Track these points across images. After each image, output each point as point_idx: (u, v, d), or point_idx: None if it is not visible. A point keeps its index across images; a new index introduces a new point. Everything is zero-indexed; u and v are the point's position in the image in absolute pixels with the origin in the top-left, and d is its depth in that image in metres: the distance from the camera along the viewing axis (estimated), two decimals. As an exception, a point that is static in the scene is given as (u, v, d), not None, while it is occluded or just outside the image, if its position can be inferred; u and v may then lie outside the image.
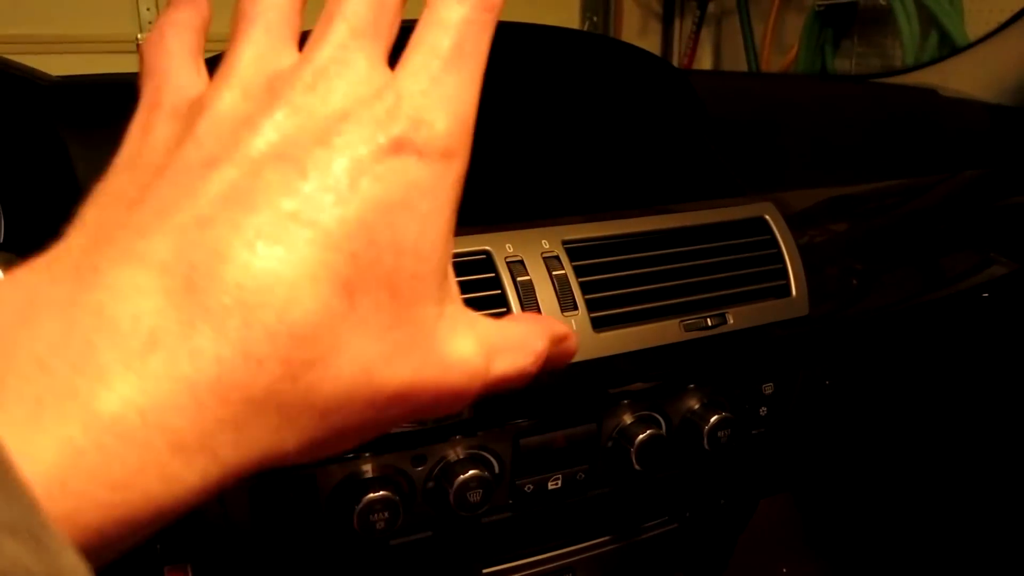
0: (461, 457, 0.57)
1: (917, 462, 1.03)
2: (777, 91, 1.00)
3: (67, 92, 0.61)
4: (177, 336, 0.20)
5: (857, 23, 2.07)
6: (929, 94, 1.10)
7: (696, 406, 0.65)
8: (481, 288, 0.56)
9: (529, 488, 0.61)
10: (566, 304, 0.58)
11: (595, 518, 0.71)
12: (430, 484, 0.57)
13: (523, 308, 0.56)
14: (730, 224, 0.67)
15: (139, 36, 2.18)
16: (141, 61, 0.28)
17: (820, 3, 2.06)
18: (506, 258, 0.58)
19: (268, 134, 0.23)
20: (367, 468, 0.55)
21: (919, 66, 1.36)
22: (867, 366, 0.81)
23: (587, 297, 0.59)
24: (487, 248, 0.58)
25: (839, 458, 0.91)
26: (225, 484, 0.21)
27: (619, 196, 0.72)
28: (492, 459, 0.58)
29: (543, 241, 0.59)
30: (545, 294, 0.57)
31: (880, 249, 0.79)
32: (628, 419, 0.63)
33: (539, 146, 0.72)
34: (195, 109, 0.25)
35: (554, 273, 0.58)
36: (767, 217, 0.69)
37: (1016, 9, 1.11)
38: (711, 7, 2.60)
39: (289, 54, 0.26)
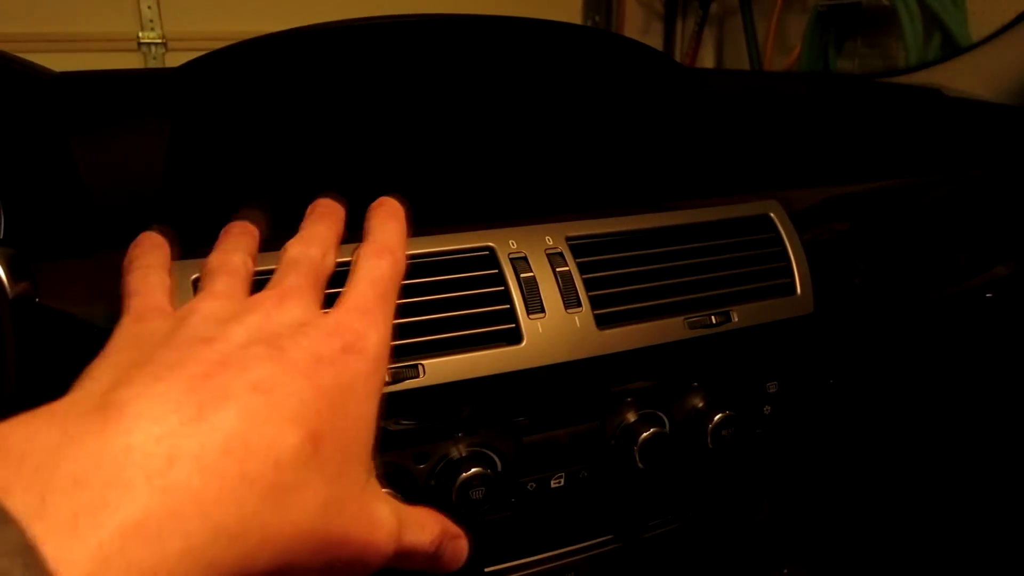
0: (463, 455, 0.57)
1: (921, 462, 1.03)
2: (781, 89, 1.00)
3: (70, 87, 0.61)
4: (191, 459, 0.24)
5: (860, 23, 2.07)
6: (933, 94, 1.09)
7: (700, 404, 0.65)
8: (484, 284, 0.56)
9: (532, 486, 0.60)
10: (569, 301, 0.57)
11: (597, 517, 0.71)
12: (432, 482, 0.56)
13: (527, 305, 0.56)
14: (735, 221, 0.67)
15: (140, 34, 2.18)
16: (122, 283, 0.37)
17: (823, 3, 2.05)
18: (509, 254, 0.57)
19: (250, 326, 0.31)
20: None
21: (922, 66, 1.36)
22: (871, 365, 0.81)
23: (591, 294, 0.58)
24: (490, 244, 0.57)
25: (843, 457, 0.90)
26: None
27: (623, 193, 0.72)
28: (495, 457, 0.58)
29: (547, 238, 0.59)
30: (548, 291, 0.57)
31: (884, 248, 0.79)
32: (632, 417, 0.62)
33: (542, 142, 0.72)
34: (184, 311, 0.32)
35: (558, 270, 0.58)
36: (772, 215, 0.68)
37: (1020, 10, 1.11)
38: (713, 7, 2.59)
39: (250, 290, 0.37)
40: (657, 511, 0.75)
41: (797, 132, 0.87)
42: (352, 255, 0.38)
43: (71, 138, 0.56)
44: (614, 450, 0.63)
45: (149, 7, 2.16)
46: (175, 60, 0.58)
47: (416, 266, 0.56)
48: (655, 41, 2.73)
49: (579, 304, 0.58)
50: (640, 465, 0.61)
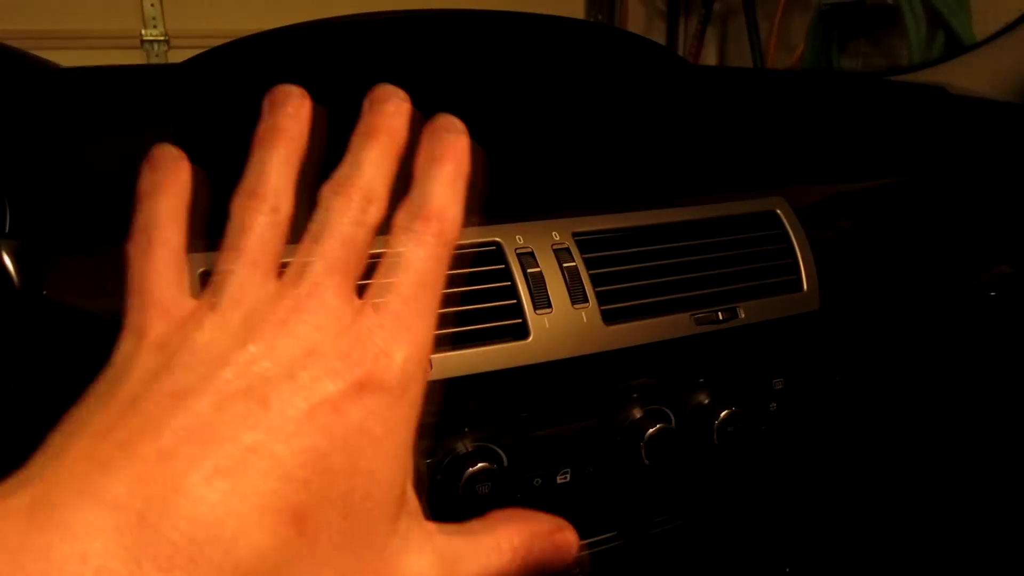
0: (470, 450, 0.56)
1: (926, 460, 1.03)
2: (786, 86, 0.99)
3: (75, 80, 0.61)
4: None
5: (863, 22, 2.06)
6: (938, 92, 1.09)
7: (706, 400, 0.65)
8: (491, 280, 0.56)
9: (538, 482, 0.60)
10: (576, 297, 0.57)
11: (603, 513, 0.71)
12: (438, 476, 0.56)
13: (533, 300, 0.56)
14: (741, 218, 0.67)
15: (143, 31, 2.18)
16: (127, 266, 0.30)
17: (826, 2, 2.05)
18: (516, 250, 0.57)
19: (239, 368, 0.25)
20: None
21: (926, 65, 1.35)
22: (877, 362, 0.81)
23: (598, 290, 0.58)
24: (497, 240, 0.57)
25: (847, 455, 0.90)
26: None
27: (628, 188, 0.71)
28: (501, 452, 0.58)
29: (554, 233, 0.59)
30: (555, 286, 0.57)
31: (890, 245, 0.79)
32: (638, 413, 0.62)
33: (548, 137, 0.72)
34: (176, 339, 0.27)
35: (564, 265, 0.58)
36: (778, 211, 0.68)
37: (1023, 10, 1.10)
38: (716, 5, 2.59)
39: (269, 285, 0.28)
40: (662, 508, 0.75)
41: (802, 129, 0.87)
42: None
43: (77, 132, 0.56)
44: (620, 446, 0.63)
45: (152, 4, 2.16)
46: (177, 57, 0.59)
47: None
48: (657, 39, 2.73)
49: (586, 300, 0.58)
50: (646, 461, 0.61)
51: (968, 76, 1.17)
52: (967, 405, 0.99)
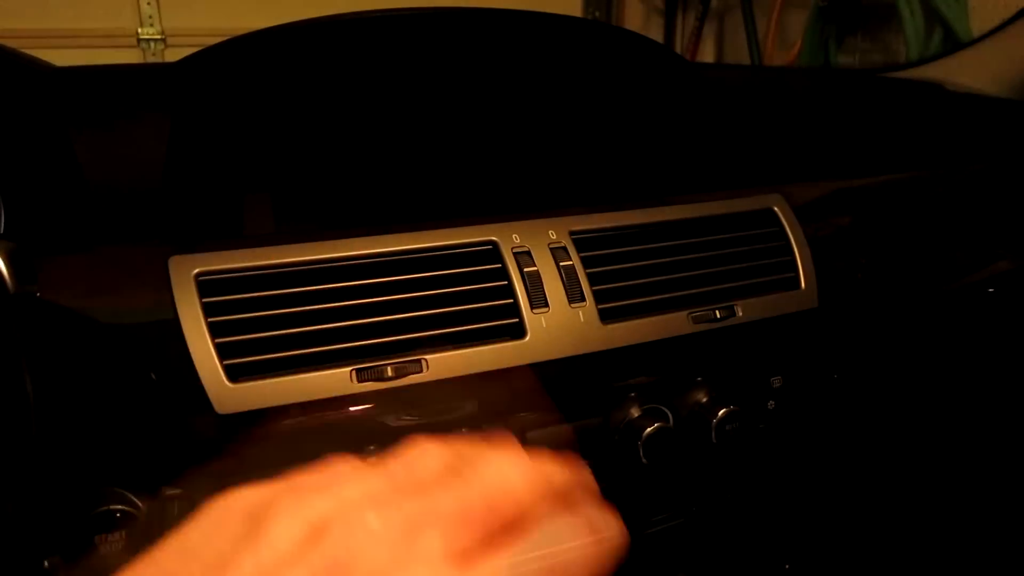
0: (467, 450, 0.56)
1: (925, 457, 1.03)
2: (784, 83, 0.99)
3: (69, 80, 0.60)
4: None
5: (860, 19, 2.06)
6: (935, 88, 1.09)
7: (704, 399, 0.64)
8: (487, 279, 0.56)
9: (535, 482, 0.60)
10: (573, 296, 0.57)
11: (601, 512, 0.71)
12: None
13: (530, 300, 0.56)
14: (739, 215, 0.67)
15: (139, 30, 2.17)
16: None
17: (823, -2, 2.05)
18: (513, 249, 0.57)
19: None
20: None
21: (923, 61, 1.35)
22: (876, 360, 0.80)
23: (595, 288, 0.58)
24: (493, 239, 0.57)
25: (846, 453, 0.90)
26: None
27: (625, 185, 0.71)
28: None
29: (550, 232, 0.59)
30: (552, 285, 0.57)
31: (887, 242, 0.79)
32: (635, 412, 0.62)
33: (544, 135, 0.72)
34: (260, 530, 0.25)
35: (561, 264, 0.58)
36: (776, 209, 0.68)
37: (1021, 5, 1.10)
38: (714, 2, 2.59)
39: None
40: (660, 507, 0.75)
41: (800, 126, 0.87)
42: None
43: (71, 131, 0.56)
44: (618, 445, 0.62)
45: (148, 3, 2.15)
46: (174, 56, 0.59)
47: (419, 261, 0.55)
48: (655, 36, 2.72)
49: (583, 298, 0.57)
50: (644, 460, 0.61)
51: (965, 72, 1.17)
52: (966, 402, 0.99)
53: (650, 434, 0.60)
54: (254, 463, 0.47)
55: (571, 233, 0.59)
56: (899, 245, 0.80)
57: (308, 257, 0.52)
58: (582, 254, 0.59)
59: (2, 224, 0.55)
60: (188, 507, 0.48)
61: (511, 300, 0.56)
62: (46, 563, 0.40)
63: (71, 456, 0.47)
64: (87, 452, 0.48)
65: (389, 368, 0.51)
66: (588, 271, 0.58)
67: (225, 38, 0.60)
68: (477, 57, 0.67)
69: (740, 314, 0.63)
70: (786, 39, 2.34)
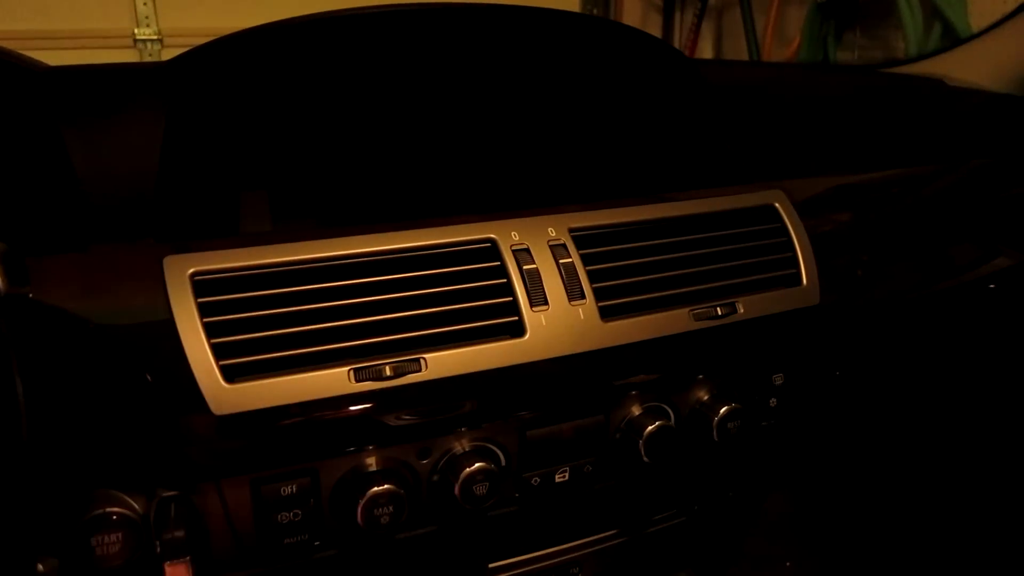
0: (467, 450, 0.56)
1: (927, 454, 1.02)
2: (785, 79, 0.99)
3: (62, 80, 0.60)
4: None
5: (859, 15, 2.06)
6: (936, 84, 1.09)
7: (705, 397, 0.64)
8: (486, 277, 0.55)
9: (536, 481, 0.59)
10: (573, 293, 0.57)
11: (602, 511, 0.70)
12: (435, 477, 0.56)
13: (529, 297, 0.55)
14: (740, 212, 0.66)
15: (136, 31, 2.17)
16: None
17: (822, -6, 2.04)
18: (512, 246, 0.57)
19: None
20: (371, 461, 0.53)
21: (922, 57, 1.35)
22: (878, 356, 0.80)
23: (595, 286, 0.57)
24: (492, 236, 0.57)
25: (848, 450, 0.90)
26: None
27: (625, 181, 0.71)
28: (498, 452, 0.57)
29: (549, 229, 0.58)
30: (552, 283, 0.56)
31: (888, 238, 0.78)
32: (636, 410, 0.62)
33: (544, 131, 0.71)
34: None
35: (561, 262, 0.57)
36: (777, 205, 0.67)
37: (1020, 1, 1.10)
38: (712, -1, 2.58)
39: None
40: (662, 505, 0.74)
41: (801, 122, 0.86)
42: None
43: (65, 131, 0.55)
44: (619, 444, 0.62)
45: (144, 4, 2.15)
46: (171, 56, 0.58)
47: (417, 259, 0.55)
48: (653, 33, 2.72)
49: (583, 296, 0.57)
50: (645, 459, 0.60)
51: (965, 68, 1.17)
52: (968, 397, 0.98)
53: (651, 432, 0.60)
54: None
55: (571, 230, 0.59)
56: (900, 241, 0.79)
57: (304, 256, 0.52)
58: (582, 251, 0.58)
59: (-5, 225, 0.55)
60: (184, 509, 0.48)
61: (510, 298, 0.55)
62: (40, 566, 0.40)
63: (65, 458, 0.46)
64: (82, 454, 0.47)
65: (387, 367, 0.51)
66: (588, 268, 0.58)
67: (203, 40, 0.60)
68: (475, 52, 0.67)
69: (741, 311, 0.62)
70: (784, 35, 2.34)
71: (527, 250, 0.57)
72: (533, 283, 0.56)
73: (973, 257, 0.89)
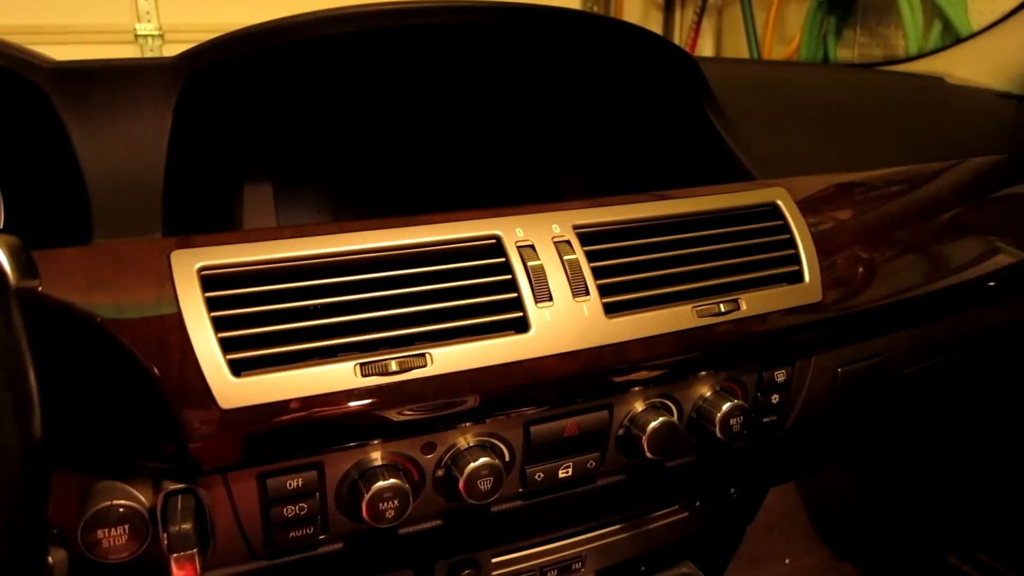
0: (471, 445, 0.56)
1: (928, 452, 1.03)
2: (786, 77, 0.99)
3: (67, 75, 0.60)
4: None
5: (859, 12, 2.06)
6: (937, 81, 1.09)
7: (708, 393, 0.64)
8: (491, 273, 0.56)
9: (540, 476, 0.60)
10: (578, 289, 0.57)
11: (605, 506, 0.70)
12: (440, 472, 0.56)
13: (534, 294, 0.55)
14: (742, 209, 0.66)
15: (137, 26, 2.17)
16: None
17: (822, -8, 2.04)
18: (516, 243, 0.57)
19: None
20: (376, 456, 0.54)
21: (922, 55, 1.35)
22: (880, 353, 0.80)
23: (599, 282, 0.58)
24: (497, 233, 0.57)
25: (847, 448, 0.90)
26: None
27: (629, 180, 0.71)
28: (503, 446, 0.58)
29: (554, 225, 0.58)
30: (556, 279, 0.57)
31: (890, 236, 0.79)
32: (640, 406, 0.62)
33: (543, 128, 0.71)
34: None
35: (565, 258, 0.57)
36: (779, 202, 0.68)
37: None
38: (712, -3, 2.58)
39: None
40: (665, 500, 0.75)
41: (803, 119, 0.86)
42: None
43: (70, 125, 0.55)
44: (622, 439, 0.62)
45: (145, -1, 2.15)
46: (172, 52, 0.58)
47: (422, 255, 0.55)
48: (653, 30, 2.72)
49: (587, 292, 0.57)
50: (648, 455, 0.61)
51: (965, 66, 1.17)
52: (969, 396, 0.99)
53: (655, 428, 0.60)
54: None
55: (575, 227, 0.59)
56: (902, 238, 0.80)
57: (311, 251, 0.52)
58: (586, 248, 0.58)
59: (2, 219, 0.55)
60: (191, 502, 0.48)
61: (515, 294, 0.55)
62: (50, 559, 0.40)
63: (73, 451, 0.47)
64: (90, 447, 0.47)
65: (393, 362, 0.51)
66: (592, 265, 0.58)
67: (222, 34, 0.60)
68: (479, 50, 0.67)
69: (744, 308, 0.62)
70: (785, 33, 2.34)
71: (532, 246, 0.57)
72: (538, 279, 0.56)
73: (973, 255, 0.89)
